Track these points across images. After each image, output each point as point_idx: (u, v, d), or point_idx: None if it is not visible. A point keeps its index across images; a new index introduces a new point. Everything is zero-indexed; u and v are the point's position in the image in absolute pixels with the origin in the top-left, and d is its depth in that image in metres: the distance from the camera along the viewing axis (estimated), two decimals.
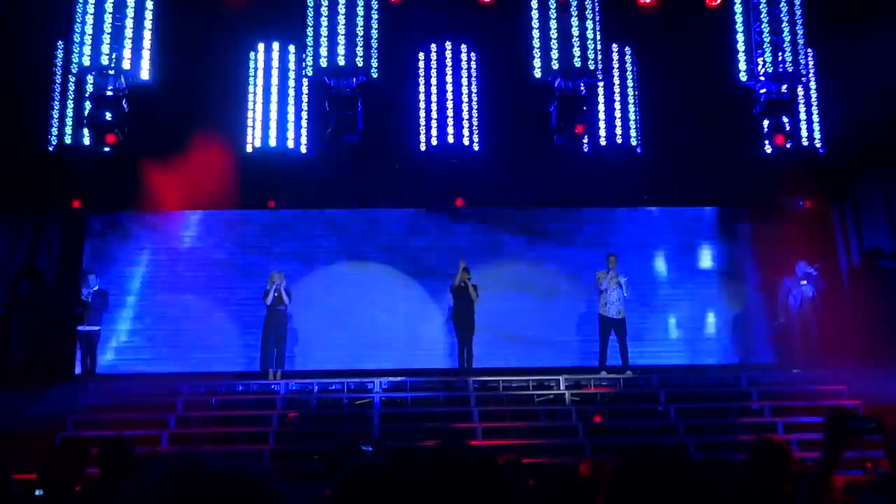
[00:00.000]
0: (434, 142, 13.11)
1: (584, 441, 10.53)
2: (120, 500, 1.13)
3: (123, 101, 11.18)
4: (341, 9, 11.52)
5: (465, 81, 13.31)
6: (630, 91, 13.50)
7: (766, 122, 12.08)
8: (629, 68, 13.51)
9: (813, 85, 12.84)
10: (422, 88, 13.25)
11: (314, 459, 10.03)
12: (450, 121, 13.16)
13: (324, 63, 11.54)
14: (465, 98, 13.24)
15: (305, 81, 12.98)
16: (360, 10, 11.63)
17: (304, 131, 13.14)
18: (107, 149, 11.47)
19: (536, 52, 11.87)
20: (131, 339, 13.60)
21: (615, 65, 13.45)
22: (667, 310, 14.15)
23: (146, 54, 11.28)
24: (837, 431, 3.17)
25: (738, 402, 11.65)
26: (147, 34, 11.30)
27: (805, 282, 12.39)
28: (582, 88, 11.94)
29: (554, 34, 11.84)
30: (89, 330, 12.48)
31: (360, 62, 11.54)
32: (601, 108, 13.37)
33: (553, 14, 11.82)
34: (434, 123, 13.17)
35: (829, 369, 11.88)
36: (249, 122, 13.04)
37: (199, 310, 13.68)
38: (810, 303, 12.38)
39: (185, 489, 1.09)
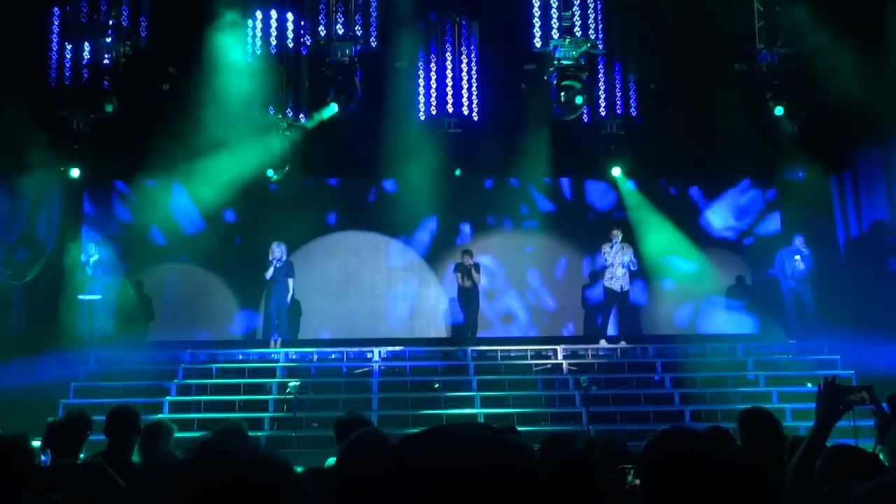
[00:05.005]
0: (433, 111, 13.07)
1: (581, 409, 10.66)
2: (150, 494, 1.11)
3: (121, 68, 11.13)
4: None
5: (464, 51, 13.22)
6: (630, 61, 13.42)
7: (766, 93, 12.08)
8: (629, 37, 13.42)
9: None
10: (421, 58, 13.16)
11: (313, 427, 10.16)
12: (449, 90, 13.10)
13: (322, 32, 11.49)
14: (464, 68, 13.17)
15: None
16: None
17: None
18: (107, 112, 11.49)
19: (537, 22, 11.81)
20: (132, 307, 13.60)
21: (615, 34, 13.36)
22: (664, 281, 14.17)
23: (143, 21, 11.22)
24: (830, 402, 3.24)
25: (734, 372, 11.75)
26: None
27: (799, 257, 12.42)
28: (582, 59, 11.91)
29: (554, 2, 11.77)
30: (90, 298, 12.52)
31: (358, 31, 11.48)
32: (601, 77, 13.33)
33: None
34: (433, 93, 13.11)
35: (824, 340, 11.97)
36: None
37: (200, 278, 13.72)
38: (805, 274, 12.42)
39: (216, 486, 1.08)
